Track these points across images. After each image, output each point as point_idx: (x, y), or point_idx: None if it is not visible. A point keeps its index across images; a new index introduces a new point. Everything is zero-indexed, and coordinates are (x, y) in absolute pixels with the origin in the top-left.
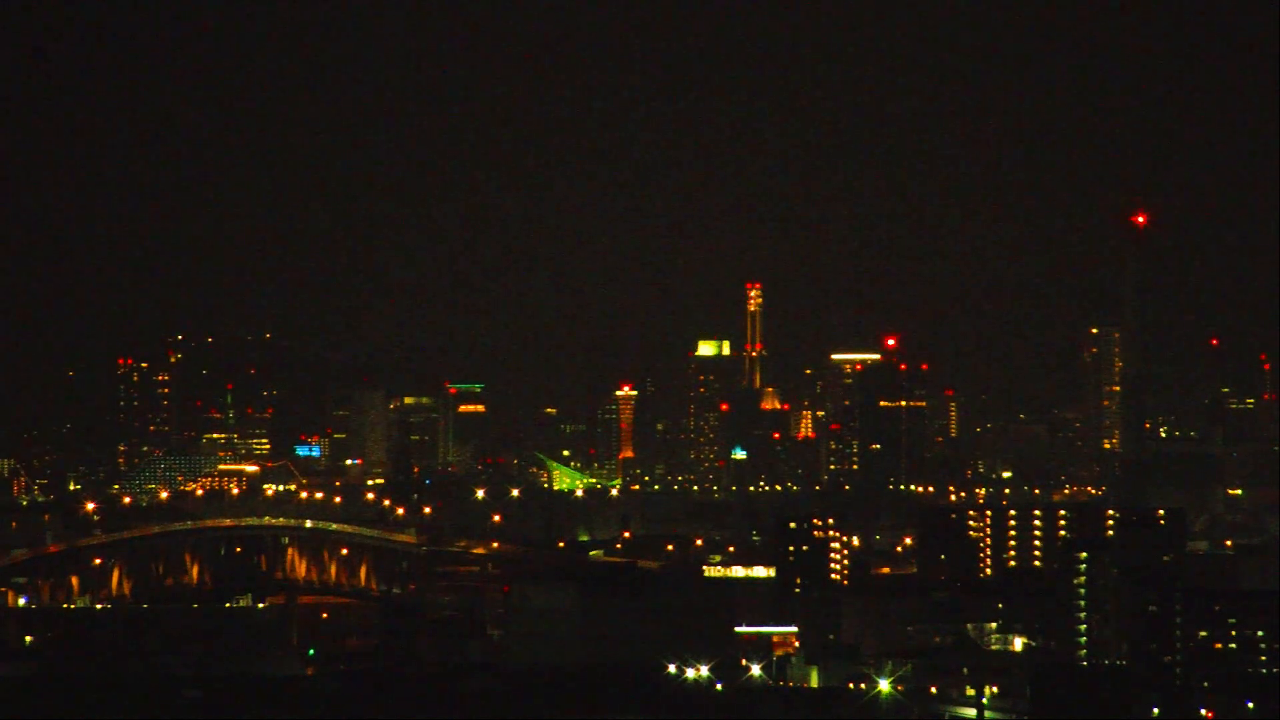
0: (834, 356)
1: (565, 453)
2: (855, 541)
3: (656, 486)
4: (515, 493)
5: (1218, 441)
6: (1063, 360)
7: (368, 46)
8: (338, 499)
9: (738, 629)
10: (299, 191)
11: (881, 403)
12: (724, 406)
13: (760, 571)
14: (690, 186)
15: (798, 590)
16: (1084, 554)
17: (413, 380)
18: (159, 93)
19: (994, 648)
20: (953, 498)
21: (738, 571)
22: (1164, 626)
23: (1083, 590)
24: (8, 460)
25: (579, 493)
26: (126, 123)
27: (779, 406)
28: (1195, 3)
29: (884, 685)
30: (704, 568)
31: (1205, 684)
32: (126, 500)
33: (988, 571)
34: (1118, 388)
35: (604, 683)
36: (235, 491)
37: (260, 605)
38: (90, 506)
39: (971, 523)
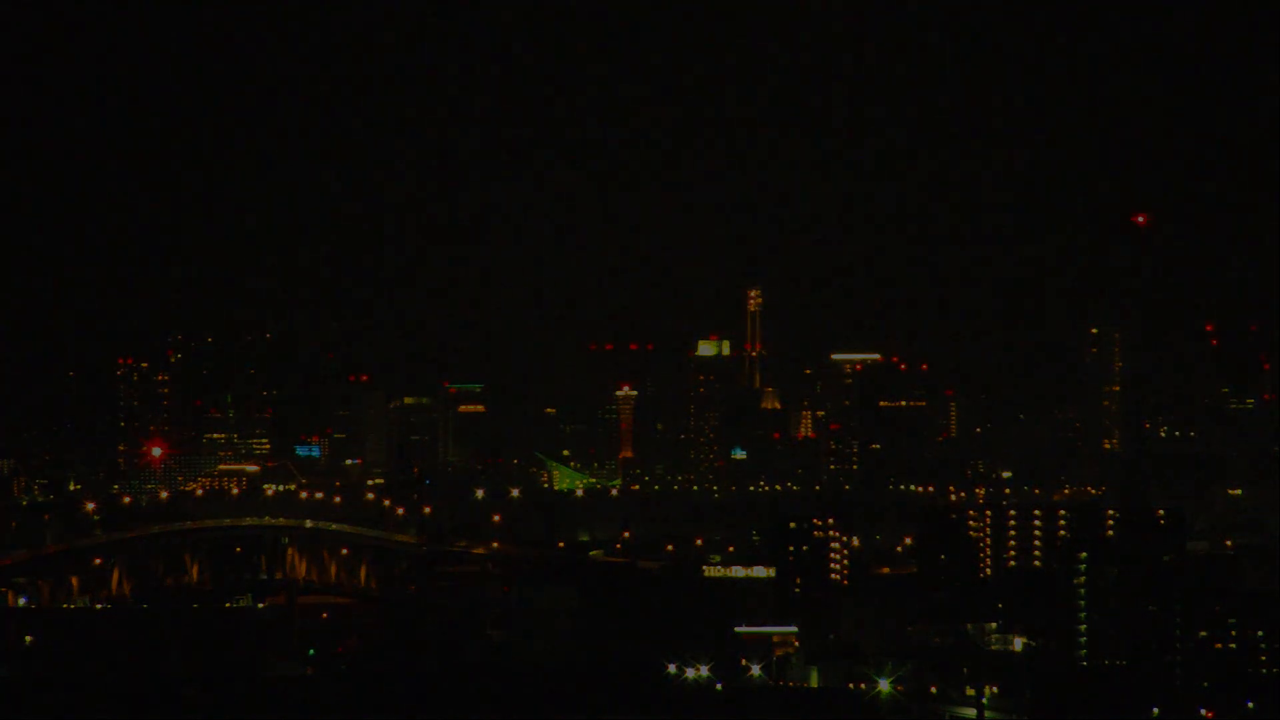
0: (834, 356)
1: (565, 453)
2: (855, 541)
3: (656, 486)
4: (515, 493)
5: (1218, 441)
6: (1063, 360)
7: (367, 43)
8: (338, 499)
9: (738, 629)
10: (299, 191)
11: (881, 403)
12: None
13: (760, 571)
14: (690, 187)
15: (798, 590)
16: (1084, 554)
17: (413, 380)
18: (159, 91)
19: (994, 648)
20: (953, 498)
21: (738, 571)
22: (1164, 626)
23: (1083, 590)
24: (8, 460)
25: (579, 493)
26: (126, 122)
27: (779, 406)
28: (1195, 2)
29: (884, 685)
30: (704, 568)
31: (1205, 684)
32: (126, 500)
33: (988, 571)
34: (1118, 388)
35: (604, 683)
36: (235, 491)
37: (260, 605)
38: (90, 506)
39: (971, 523)
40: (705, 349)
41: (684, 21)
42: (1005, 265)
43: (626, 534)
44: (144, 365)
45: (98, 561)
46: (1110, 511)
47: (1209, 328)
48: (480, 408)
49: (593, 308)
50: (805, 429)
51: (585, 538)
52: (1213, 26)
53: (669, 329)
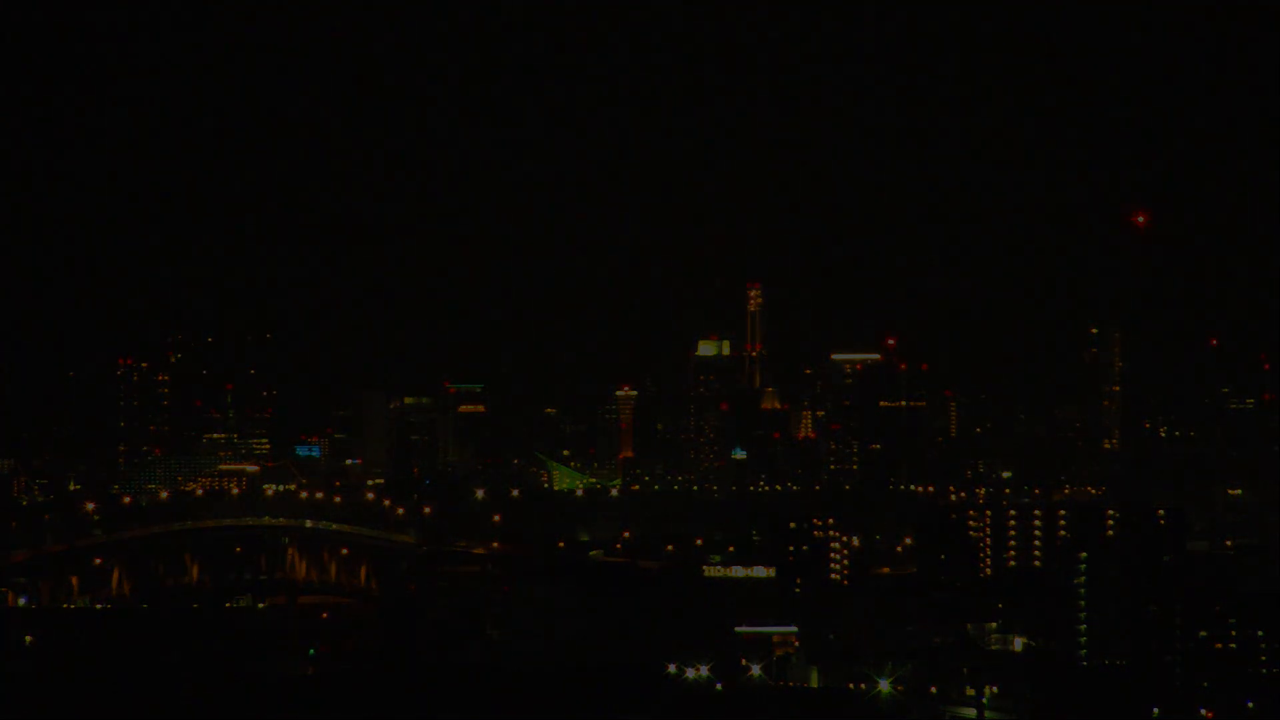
0: (834, 356)
1: (565, 453)
2: (855, 541)
3: (656, 486)
4: (515, 493)
5: (1218, 441)
6: (1063, 360)
7: (368, 45)
8: (338, 499)
9: (738, 629)
10: (300, 191)
11: (881, 403)
12: (723, 406)
13: (760, 571)
14: (691, 187)
15: (798, 590)
16: (1084, 554)
17: (413, 380)
18: (159, 91)
19: (994, 648)
20: (953, 498)
21: (738, 571)
22: (1164, 626)
23: (1083, 590)
24: (8, 460)
25: (579, 493)
26: (128, 122)
27: (779, 406)
28: (1195, 2)
29: (884, 685)
30: (704, 568)
31: (1205, 684)
32: (126, 500)
33: (988, 571)
34: (1118, 388)
35: (604, 683)
36: (235, 491)
37: (260, 605)
38: (90, 506)
39: (971, 523)
40: (705, 349)
41: (686, 20)
42: (1006, 264)
43: (626, 534)
44: (144, 365)
45: (98, 561)
46: (1110, 511)
47: (1208, 328)
48: (480, 408)
49: (593, 308)
50: (805, 429)
51: (585, 538)
52: (1213, 26)
53: (669, 329)
